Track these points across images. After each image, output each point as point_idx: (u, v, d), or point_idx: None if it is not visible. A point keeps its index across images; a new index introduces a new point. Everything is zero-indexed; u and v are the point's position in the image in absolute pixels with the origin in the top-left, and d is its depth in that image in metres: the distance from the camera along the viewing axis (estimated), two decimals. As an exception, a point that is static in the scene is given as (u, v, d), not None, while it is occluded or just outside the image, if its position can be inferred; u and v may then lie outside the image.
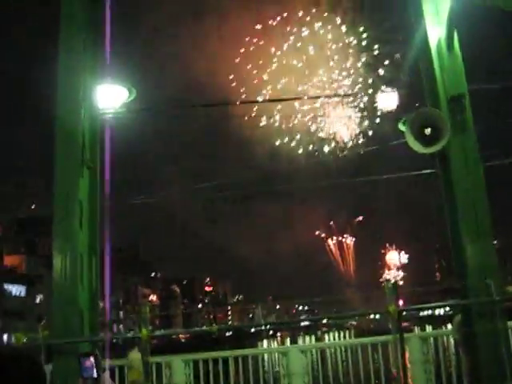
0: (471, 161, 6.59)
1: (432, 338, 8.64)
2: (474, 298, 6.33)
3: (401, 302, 6.75)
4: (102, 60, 7.52)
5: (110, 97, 8.17)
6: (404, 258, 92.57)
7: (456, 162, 6.62)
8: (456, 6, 6.71)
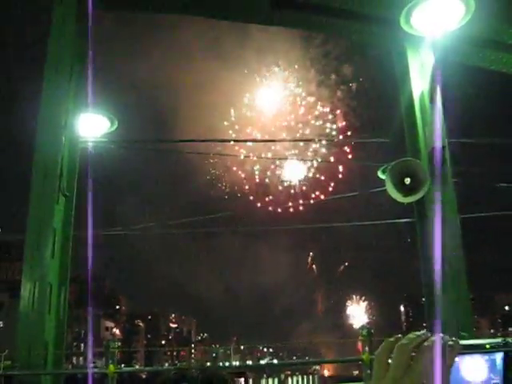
0: (449, 212, 6.68)
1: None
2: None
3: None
4: (85, 89, 7.51)
5: (92, 126, 8.16)
6: (364, 315, 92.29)
7: (434, 212, 6.70)
8: (439, 62, 6.92)
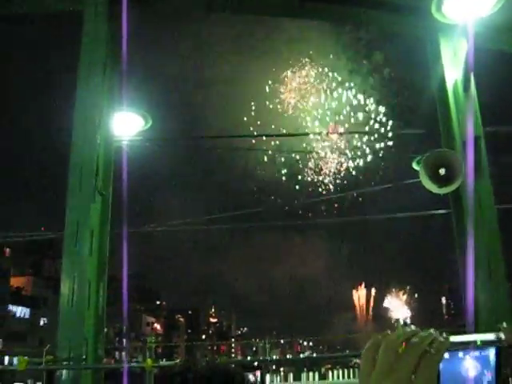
0: (485, 203, 6.56)
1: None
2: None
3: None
4: (119, 87, 7.61)
5: (126, 124, 8.27)
6: (404, 307, 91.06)
7: (469, 203, 6.59)
8: (473, 49, 6.79)
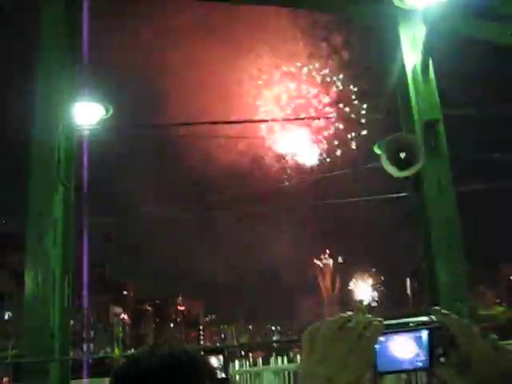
0: (444, 185, 6.72)
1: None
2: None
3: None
4: (80, 76, 7.51)
5: (87, 114, 8.18)
6: (370, 290, 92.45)
7: (429, 186, 6.75)
8: (431, 33, 6.90)
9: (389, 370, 1.13)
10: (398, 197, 7.92)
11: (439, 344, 1.14)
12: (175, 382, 1.34)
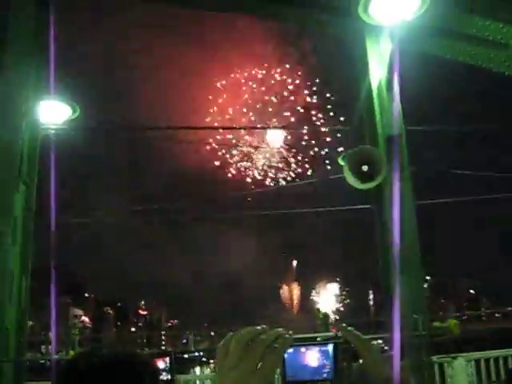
0: (405, 198, 6.84)
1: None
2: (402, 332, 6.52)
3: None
4: (47, 75, 7.44)
5: (53, 113, 8.10)
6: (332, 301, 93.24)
7: (390, 199, 6.86)
8: (397, 50, 7.04)
9: (296, 380, 1.24)
10: (361, 208, 8.03)
11: (343, 357, 1.25)
12: (114, 379, 1.37)
